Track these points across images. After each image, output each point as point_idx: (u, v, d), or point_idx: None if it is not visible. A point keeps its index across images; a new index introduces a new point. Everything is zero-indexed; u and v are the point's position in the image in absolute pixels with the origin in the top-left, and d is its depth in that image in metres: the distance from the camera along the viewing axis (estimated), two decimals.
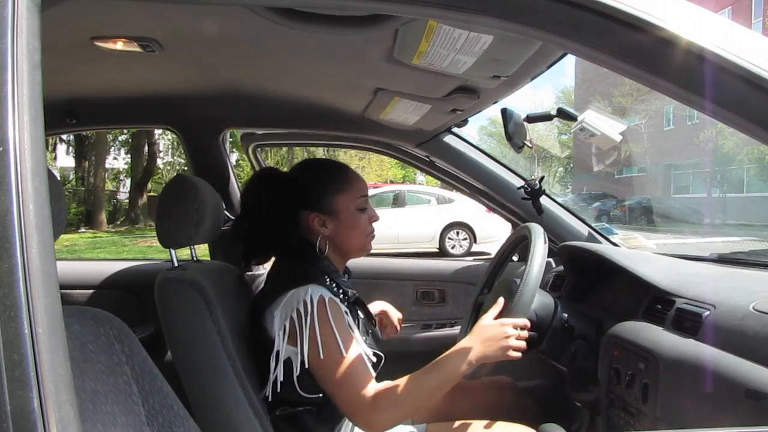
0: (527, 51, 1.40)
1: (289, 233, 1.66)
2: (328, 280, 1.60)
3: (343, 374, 1.48)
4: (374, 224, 1.73)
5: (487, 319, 1.56)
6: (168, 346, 1.59)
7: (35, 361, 0.62)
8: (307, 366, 1.49)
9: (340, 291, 1.62)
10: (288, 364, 1.52)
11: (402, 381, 1.48)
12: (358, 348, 1.53)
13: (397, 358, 1.81)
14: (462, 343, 1.52)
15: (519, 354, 1.52)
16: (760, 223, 21.03)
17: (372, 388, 1.48)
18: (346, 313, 1.57)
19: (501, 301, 1.62)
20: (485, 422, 1.73)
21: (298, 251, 1.66)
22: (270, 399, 1.57)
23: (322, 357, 1.47)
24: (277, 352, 1.53)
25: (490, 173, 2.53)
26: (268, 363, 1.54)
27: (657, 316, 1.60)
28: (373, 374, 1.54)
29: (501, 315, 1.58)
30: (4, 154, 0.65)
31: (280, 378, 1.52)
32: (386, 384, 1.49)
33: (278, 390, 1.54)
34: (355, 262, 1.87)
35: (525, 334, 1.54)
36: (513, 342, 1.50)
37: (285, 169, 1.79)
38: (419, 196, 14.89)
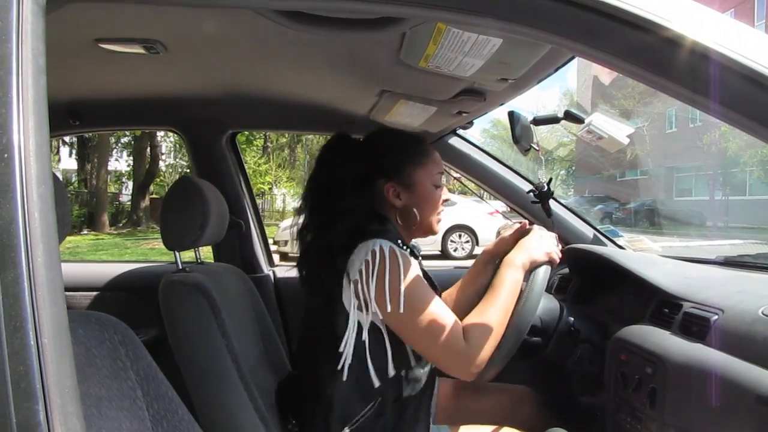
0: (536, 54, 1.40)
1: (364, 202, 1.58)
2: (398, 241, 1.55)
3: (431, 323, 1.44)
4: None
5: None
6: (172, 350, 1.58)
7: (41, 372, 0.61)
8: (382, 324, 1.47)
9: (408, 250, 1.57)
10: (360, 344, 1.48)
11: (476, 312, 1.50)
12: (434, 294, 1.49)
13: None
14: (507, 257, 1.59)
15: (558, 258, 1.63)
16: (765, 225, 20.97)
17: (460, 328, 1.46)
18: (418, 266, 1.53)
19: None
20: (492, 429, 1.73)
21: (365, 221, 1.57)
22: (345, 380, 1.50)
23: (402, 310, 1.42)
24: (353, 319, 1.48)
25: (496, 175, 2.52)
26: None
27: (664, 320, 1.58)
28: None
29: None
30: (8, 160, 0.64)
31: (351, 345, 1.47)
32: (466, 321, 1.48)
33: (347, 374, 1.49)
34: None
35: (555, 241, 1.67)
36: (553, 247, 1.61)
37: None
38: None
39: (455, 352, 1.44)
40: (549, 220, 2.09)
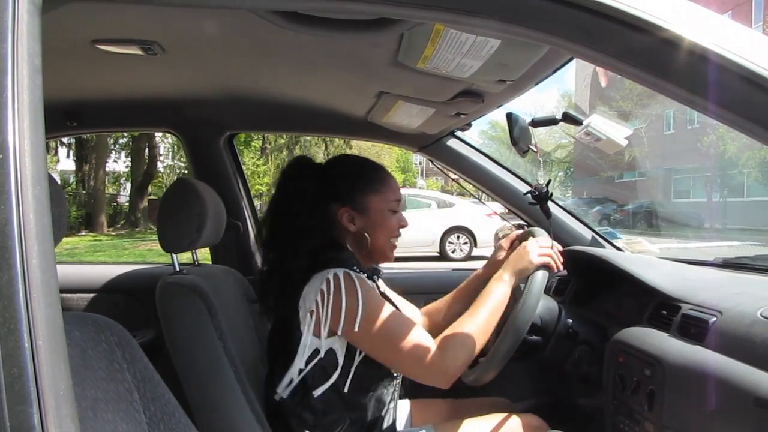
0: (534, 55, 1.40)
1: (319, 224, 1.61)
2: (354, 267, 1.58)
3: (397, 339, 1.48)
4: None
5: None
6: (169, 352, 1.58)
7: (35, 375, 0.60)
8: (341, 348, 1.51)
9: (365, 275, 1.60)
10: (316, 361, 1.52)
11: (456, 323, 1.54)
12: (397, 312, 1.54)
13: None
14: (498, 273, 1.63)
15: (548, 260, 1.62)
16: (763, 227, 21.00)
17: (430, 339, 1.50)
18: (375, 288, 1.58)
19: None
20: (491, 417, 1.74)
21: (320, 245, 1.60)
22: (285, 398, 1.54)
23: (365, 332, 1.47)
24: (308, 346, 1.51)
25: (494, 177, 2.51)
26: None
27: (662, 322, 1.58)
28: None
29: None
30: (3, 161, 0.64)
31: (298, 374, 1.52)
32: (445, 332, 1.53)
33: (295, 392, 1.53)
34: None
35: (558, 247, 1.67)
36: (543, 250, 1.62)
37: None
38: (420, 200, 14.88)
39: (427, 364, 1.48)
40: (547, 222, 2.09)
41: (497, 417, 1.76)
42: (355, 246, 1.66)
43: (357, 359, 1.54)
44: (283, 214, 1.62)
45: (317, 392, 1.52)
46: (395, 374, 1.65)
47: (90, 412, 0.95)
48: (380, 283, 1.80)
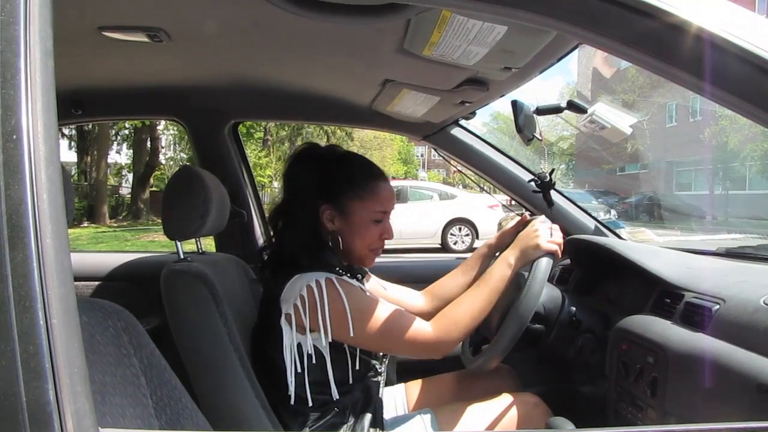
0: (540, 42, 1.39)
1: (304, 216, 1.64)
2: (337, 269, 1.63)
3: (388, 329, 1.54)
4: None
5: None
6: (174, 338, 1.58)
7: (50, 352, 0.61)
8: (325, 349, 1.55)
9: (347, 275, 1.64)
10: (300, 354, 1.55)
11: (455, 302, 1.62)
12: (384, 302, 1.58)
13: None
14: (503, 254, 1.68)
15: (555, 247, 1.65)
16: (765, 219, 20.97)
17: (421, 322, 1.57)
18: (359, 287, 1.60)
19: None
20: (489, 399, 1.76)
21: (305, 240, 1.63)
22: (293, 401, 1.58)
23: (353, 333, 1.50)
24: (294, 344, 1.54)
25: (498, 166, 2.52)
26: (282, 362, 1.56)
27: (665, 310, 1.59)
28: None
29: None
30: (17, 142, 0.65)
31: (294, 370, 1.55)
32: (441, 311, 1.61)
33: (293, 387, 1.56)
34: None
35: (558, 233, 1.69)
36: (546, 235, 1.65)
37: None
38: (421, 191, 14.88)
39: (420, 343, 1.55)
40: (549, 211, 2.09)
41: (494, 396, 1.77)
42: (335, 245, 1.67)
43: (342, 349, 1.58)
44: (288, 191, 1.68)
45: (306, 383, 1.56)
46: (381, 357, 1.70)
47: (98, 396, 0.95)
48: (371, 280, 1.86)
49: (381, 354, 1.71)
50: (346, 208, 1.64)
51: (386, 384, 1.87)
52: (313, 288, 1.49)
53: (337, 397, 1.58)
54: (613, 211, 17.10)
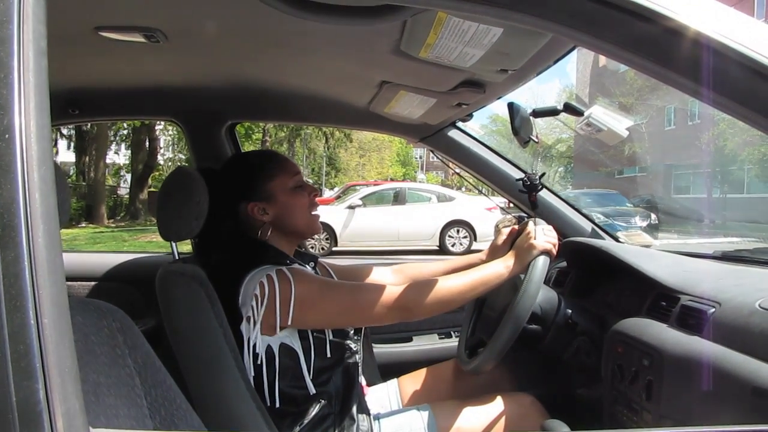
0: (536, 44, 1.39)
1: (231, 228, 1.69)
2: (287, 261, 1.65)
3: (353, 300, 1.58)
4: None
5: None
6: (170, 339, 1.58)
7: (41, 352, 0.61)
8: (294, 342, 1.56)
9: (295, 264, 1.66)
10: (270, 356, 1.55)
11: (441, 276, 1.64)
12: (337, 281, 1.65)
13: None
14: (505, 255, 1.70)
15: (550, 246, 1.66)
16: (763, 223, 20.99)
17: (388, 285, 1.60)
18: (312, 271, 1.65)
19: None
20: (485, 398, 1.76)
21: (240, 246, 1.67)
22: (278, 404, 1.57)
23: (319, 316, 1.55)
24: (253, 343, 1.54)
25: (496, 168, 2.51)
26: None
27: (661, 313, 1.59)
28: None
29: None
30: (9, 141, 0.64)
31: (266, 373, 1.55)
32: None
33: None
34: None
35: (552, 233, 1.71)
36: (539, 235, 1.67)
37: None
38: (420, 193, 14.90)
39: (390, 303, 1.55)
40: (534, 213, 2.09)
41: (490, 396, 1.78)
42: (278, 235, 1.69)
43: (311, 338, 1.58)
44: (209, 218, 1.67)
45: (284, 382, 1.56)
46: (355, 340, 1.70)
47: (92, 396, 0.95)
48: (337, 261, 1.91)
49: (352, 332, 1.70)
50: (268, 193, 1.67)
51: (368, 384, 1.89)
52: (265, 284, 1.50)
53: (315, 391, 1.58)
54: (653, 215, 16.87)
